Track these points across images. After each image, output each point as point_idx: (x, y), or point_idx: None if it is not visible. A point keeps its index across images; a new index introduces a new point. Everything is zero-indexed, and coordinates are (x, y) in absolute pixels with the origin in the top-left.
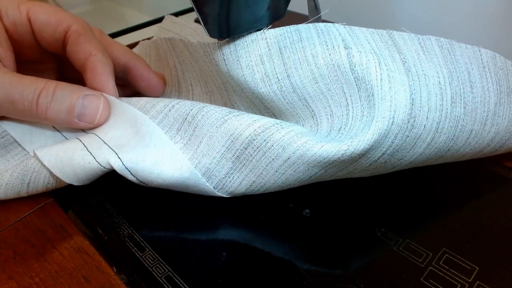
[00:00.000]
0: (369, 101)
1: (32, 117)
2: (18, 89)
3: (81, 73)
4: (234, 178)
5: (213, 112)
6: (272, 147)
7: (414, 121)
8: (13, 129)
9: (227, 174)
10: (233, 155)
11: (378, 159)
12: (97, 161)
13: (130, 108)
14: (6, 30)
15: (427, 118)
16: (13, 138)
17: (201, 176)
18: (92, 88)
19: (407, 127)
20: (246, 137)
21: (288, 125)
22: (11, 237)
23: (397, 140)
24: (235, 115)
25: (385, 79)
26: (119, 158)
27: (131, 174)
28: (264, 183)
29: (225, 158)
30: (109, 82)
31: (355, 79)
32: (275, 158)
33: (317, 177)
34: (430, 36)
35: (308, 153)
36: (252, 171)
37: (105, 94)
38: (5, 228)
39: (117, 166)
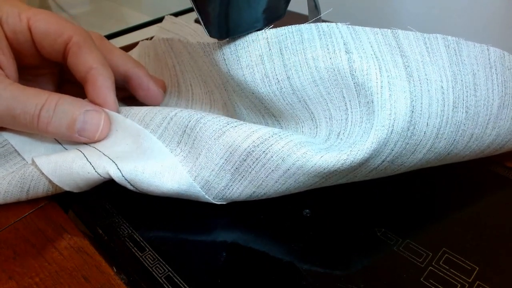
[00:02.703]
0: (369, 107)
1: (33, 130)
2: (20, 103)
3: (82, 85)
4: (234, 190)
5: (211, 124)
6: (272, 158)
7: (414, 128)
8: (13, 138)
9: (226, 185)
10: (232, 167)
11: (378, 166)
12: (96, 172)
13: (131, 124)
14: (7, 38)
15: (427, 124)
16: (13, 147)
17: (199, 189)
18: (93, 102)
19: (406, 134)
20: (245, 149)
21: (286, 135)
22: (11, 237)
23: (397, 148)
24: (233, 126)
25: (385, 86)
26: (118, 169)
27: (130, 184)
28: (265, 193)
29: (224, 170)
30: (111, 97)
31: (355, 84)
32: (274, 169)
33: (318, 185)
34: (437, 35)
35: (308, 163)
36: (252, 182)
37: (106, 110)
38: (5, 228)
39: (117, 177)
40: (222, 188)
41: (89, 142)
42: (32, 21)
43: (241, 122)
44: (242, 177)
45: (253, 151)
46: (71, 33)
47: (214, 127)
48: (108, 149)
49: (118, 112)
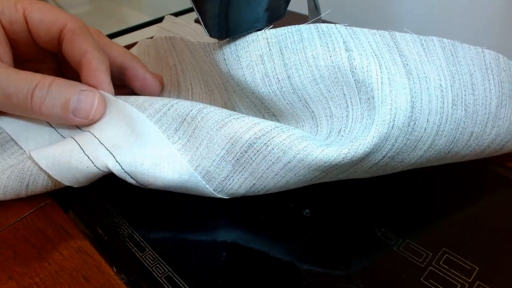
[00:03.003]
0: (369, 103)
1: (26, 111)
2: (13, 82)
3: (77, 71)
4: (234, 181)
5: (213, 114)
6: (273, 151)
7: (415, 124)
8: (9, 125)
9: (227, 176)
10: (233, 158)
11: (379, 161)
12: (95, 166)
13: (126, 106)
14: (3, 28)
15: (427, 121)
16: (9, 135)
17: (200, 179)
18: (88, 84)
19: (407, 130)
20: (246, 140)
21: (288, 129)
22: (11, 237)
23: (398, 143)
24: (235, 117)
25: (385, 82)
26: (117, 162)
27: (131, 177)
28: (265, 186)
29: (225, 160)
30: (105, 78)
31: (356, 81)
32: (275, 162)
33: (318, 179)
34: (433, 37)
35: (309, 157)
36: (252, 174)
37: (101, 91)
38: (5, 228)
39: (116, 170)
40: (223, 178)
41: (84, 123)
42: (27, 11)
43: (243, 115)
44: (243, 169)
45: (254, 143)
46: (66, 21)
47: (216, 117)
48: (103, 134)
49: (113, 94)
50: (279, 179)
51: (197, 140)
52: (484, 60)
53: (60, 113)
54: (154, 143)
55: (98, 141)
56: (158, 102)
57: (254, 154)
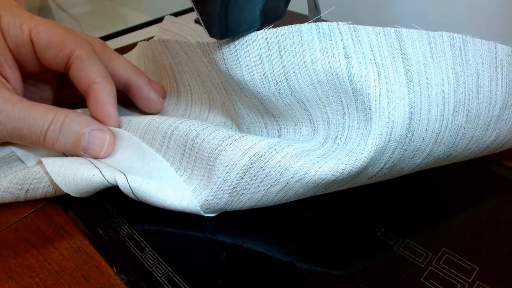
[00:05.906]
0: (366, 114)
1: (39, 147)
2: (27, 124)
3: (84, 97)
4: (233, 207)
5: (207, 143)
6: (270, 174)
7: (413, 135)
8: (20, 149)
9: (225, 205)
10: (229, 187)
11: (377, 173)
12: (102, 175)
13: (137, 141)
14: (10, 50)
15: (426, 130)
16: (18, 157)
17: (199, 208)
18: (95, 117)
19: (405, 141)
20: (242, 167)
21: (282, 148)
22: (11, 237)
23: (395, 155)
24: (228, 143)
25: (383, 94)
26: (125, 176)
27: (133, 193)
28: (266, 204)
29: (221, 190)
30: (112, 112)
31: (353, 90)
32: (273, 184)
33: (320, 193)
34: (443, 33)
35: (306, 176)
36: (252, 198)
37: (111, 128)
38: (5, 228)
39: (121, 182)
40: (221, 207)
41: (94, 158)
42: (33, 33)
43: (237, 136)
44: (241, 195)
45: (250, 168)
46: (74, 47)
47: (210, 145)
48: (115, 164)
49: (120, 126)
50: (279, 198)
51: (199, 171)
52: (496, 57)
53: (71, 149)
54: (163, 176)
55: (109, 166)
56: (158, 135)
57: (251, 179)
